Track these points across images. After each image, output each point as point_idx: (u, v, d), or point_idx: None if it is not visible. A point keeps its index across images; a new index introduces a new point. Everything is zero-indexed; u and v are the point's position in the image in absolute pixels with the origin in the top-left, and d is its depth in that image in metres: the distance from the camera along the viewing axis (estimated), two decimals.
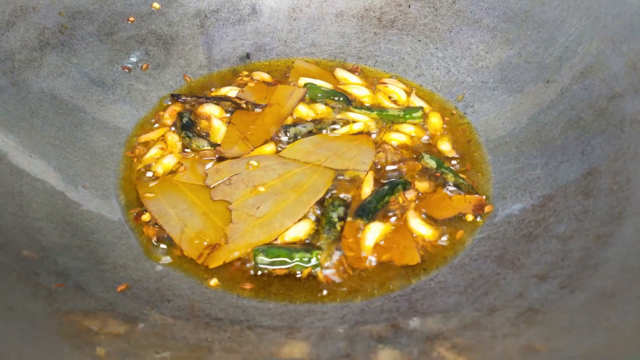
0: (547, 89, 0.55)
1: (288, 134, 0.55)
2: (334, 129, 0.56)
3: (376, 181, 0.51)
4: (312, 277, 0.44)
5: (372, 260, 0.45)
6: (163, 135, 0.55)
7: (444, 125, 0.58)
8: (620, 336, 0.30)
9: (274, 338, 0.37)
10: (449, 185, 0.51)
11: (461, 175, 0.52)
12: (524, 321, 0.35)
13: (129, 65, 0.60)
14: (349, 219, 0.47)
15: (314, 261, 0.44)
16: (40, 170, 0.48)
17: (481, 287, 0.40)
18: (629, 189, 0.42)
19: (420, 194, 0.50)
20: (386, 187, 0.50)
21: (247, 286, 0.43)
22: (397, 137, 0.55)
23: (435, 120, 0.58)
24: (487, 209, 0.48)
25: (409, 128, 0.57)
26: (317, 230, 0.46)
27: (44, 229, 0.42)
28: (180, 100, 0.59)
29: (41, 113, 0.52)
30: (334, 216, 0.47)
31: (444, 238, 0.47)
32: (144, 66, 0.61)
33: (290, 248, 0.45)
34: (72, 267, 0.40)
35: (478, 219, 0.48)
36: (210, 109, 0.57)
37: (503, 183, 0.51)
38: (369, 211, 0.48)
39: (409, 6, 0.66)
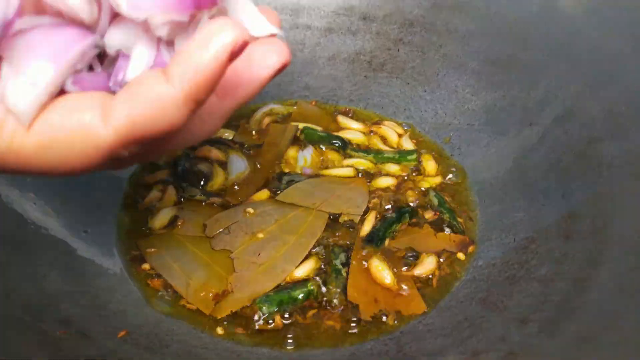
0: (530, 132, 0.57)
1: (282, 182, 0.57)
2: (329, 172, 0.59)
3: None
4: (305, 322, 0.46)
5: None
6: (161, 181, 0.57)
7: (436, 167, 0.60)
8: None
9: None
10: (444, 224, 0.53)
11: (458, 218, 0.54)
12: None
13: None
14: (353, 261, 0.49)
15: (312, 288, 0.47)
16: (43, 217, 0.50)
17: (466, 329, 0.42)
18: (605, 233, 0.44)
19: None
20: (393, 216, 0.53)
21: (240, 330, 0.45)
22: (387, 182, 0.58)
23: (429, 162, 0.60)
24: (470, 248, 0.51)
25: (402, 170, 0.59)
26: (324, 271, 0.49)
27: (47, 276, 0.44)
28: None
29: None
30: (338, 263, 0.49)
31: (432, 279, 0.49)
32: None
33: (288, 289, 0.47)
34: (74, 313, 0.42)
35: (462, 256, 0.50)
36: (209, 152, 0.59)
37: (488, 224, 0.53)
38: (378, 238, 0.51)
39: (398, 50, 0.69)
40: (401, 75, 0.69)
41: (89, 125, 0.23)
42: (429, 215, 0.54)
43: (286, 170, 0.59)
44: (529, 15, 0.61)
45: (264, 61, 0.27)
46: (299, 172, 0.59)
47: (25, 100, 0.23)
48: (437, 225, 0.53)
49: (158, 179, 0.57)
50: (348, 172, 0.59)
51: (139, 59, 0.25)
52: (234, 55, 0.23)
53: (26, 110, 0.23)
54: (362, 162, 0.60)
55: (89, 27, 0.25)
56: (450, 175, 0.59)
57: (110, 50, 0.26)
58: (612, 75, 0.53)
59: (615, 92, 0.52)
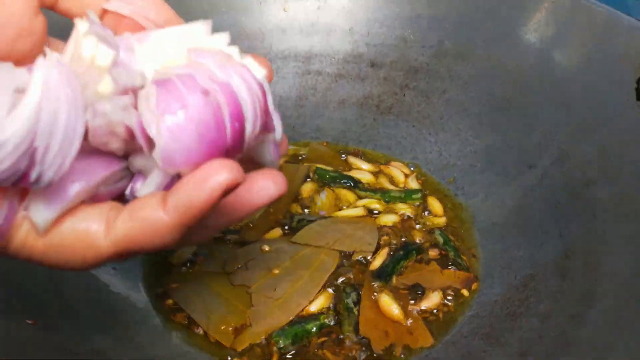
0: (529, 174, 0.61)
1: (294, 220, 0.60)
2: (342, 213, 0.62)
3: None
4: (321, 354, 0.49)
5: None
6: None
7: (441, 207, 0.64)
8: None
9: None
10: (449, 262, 0.56)
11: (462, 256, 0.57)
12: None
13: None
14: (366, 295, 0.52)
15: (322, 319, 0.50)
16: None
17: None
18: (600, 271, 0.47)
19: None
20: (401, 253, 0.56)
21: None
22: (393, 219, 0.61)
23: (434, 203, 0.64)
24: (474, 285, 0.54)
25: (408, 209, 0.63)
26: (337, 311, 0.52)
27: (81, 311, 0.48)
28: None
29: None
30: (349, 302, 0.52)
31: (438, 314, 0.52)
32: None
33: (302, 322, 0.50)
34: (105, 346, 0.46)
35: (466, 293, 0.53)
36: None
37: (490, 262, 0.56)
38: (387, 274, 0.54)
39: (404, 95, 0.74)
40: (407, 118, 0.73)
41: (94, 235, 0.27)
42: (434, 253, 0.57)
43: (299, 212, 0.63)
44: (527, 63, 0.65)
45: (262, 191, 0.29)
46: (314, 212, 0.63)
47: (44, 215, 0.26)
48: (443, 263, 0.56)
49: None
50: (359, 212, 0.62)
51: (153, 182, 0.28)
52: (228, 192, 0.26)
53: (43, 223, 0.26)
54: (373, 202, 0.63)
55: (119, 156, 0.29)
56: (453, 212, 0.63)
57: (132, 169, 0.29)
58: (604, 119, 0.57)
59: (608, 136, 0.55)
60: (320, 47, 0.77)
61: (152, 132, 0.26)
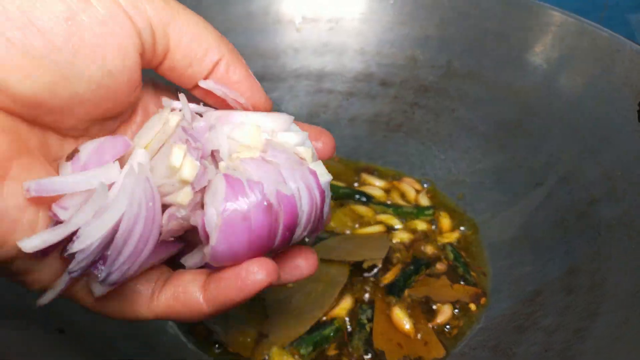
0: (536, 192, 0.63)
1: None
2: (361, 231, 0.64)
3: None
4: None
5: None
6: None
7: (451, 224, 0.66)
8: None
9: None
10: (459, 277, 0.59)
11: (472, 272, 0.59)
12: None
13: None
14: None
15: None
16: None
17: None
18: (604, 288, 0.49)
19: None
20: (412, 268, 0.59)
21: None
22: (407, 235, 0.64)
23: (444, 220, 0.66)
24: (482, 300, 0.56)
25: (420, 225, 0.65)
26: (350, 333, 0.54)
27: (107, 321, 0.50)
28: None
29: None
30: (363, 318, 0.54)
31: (448, 327, 0.54)
32: None
33: (319, 329, 0.52)
34: (133, 353, 0.48)
35: (473, 307, 0.55)
36: None
37: (498, 278, 0.58)
38: (398, 289, 0.56)
39: (414, 113, 0.76)
40: (416, 136, 0.75)
41: (138, 303, 0.30)
42: (442, 267, 0.60)
43: None
44: (534, 85, 0.67)
45: (294, 270, 0.33)
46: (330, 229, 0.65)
47: (101, 289, 0.28)
48: (452, 277, 0.59)
49: None
50: (378, 228, 0.65)
51: (199, 257, 0.31)
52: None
53: (99, 293, 0.28)
54: (391, 218, 0.66)
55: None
56: (462, 228, 0.65)
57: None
58: (608, 140, 0.59)
59: (612, 157, 0.57)
60: (332, 67, 0.79)
61: (211, 232, 0.27)
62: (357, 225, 0.65)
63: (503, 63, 0.70)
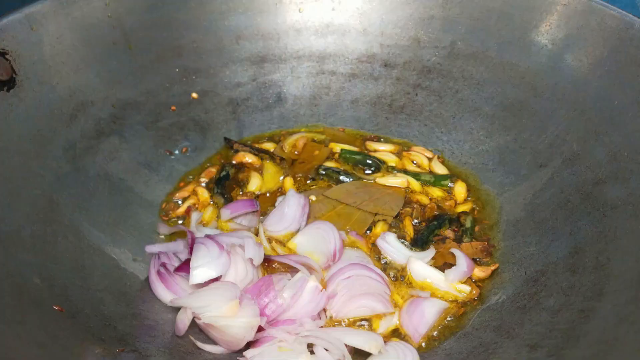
0: (540, 173, 0.62)
1: (321, 172, 0.67)
2: (369, 175, 0.68)
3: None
4: None
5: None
6: (195, 191, 0.66)
7: (466, 193, 0.66)
8: None
9: None
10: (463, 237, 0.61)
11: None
12: None
13: (171, 149, 0.69)
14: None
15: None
16: (98, 245, 0.55)
17: (481, 354, 0.46)
18: (609, 268, 0.48)
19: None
20: (435, 222, 0.61)
21: None
22: (424, 199, 0.65)
23: (460, 189, 0.66)
24: (493, 267, 0.57)
25: (438, 193, 0.66)
26: None
27: (104, 299, 0.50)
28: (230, 145, 0.71)
29: (97, 194, 0.60)
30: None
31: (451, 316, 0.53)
32: (184, 149, 0.69)
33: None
34: (129, 333, 0.47)
35: (476, 300, 0.55)
36: (248, 158, 0.69)
37: (502, 258, 0.57)
38: (423, 241, 0.59)
39: (416, 94, 0.75)
40: (419, 118, 0.74)
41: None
42: (449, 233, 0.61)
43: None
44: (539, 66, 0.66)
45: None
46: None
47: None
48: (457, 240, 0.60)
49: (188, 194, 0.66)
50: (400, 182, 0.67)
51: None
52: None
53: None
54: (412, 181, 0.67)
55: None
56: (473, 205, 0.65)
57: None
58: (614, 121, 0.58)
59: (619, 138, 0.56)
60: (335, 48, 0.78)
61: None
62: (385, 177, 0.67)
63: (507, 43, 0.69)
